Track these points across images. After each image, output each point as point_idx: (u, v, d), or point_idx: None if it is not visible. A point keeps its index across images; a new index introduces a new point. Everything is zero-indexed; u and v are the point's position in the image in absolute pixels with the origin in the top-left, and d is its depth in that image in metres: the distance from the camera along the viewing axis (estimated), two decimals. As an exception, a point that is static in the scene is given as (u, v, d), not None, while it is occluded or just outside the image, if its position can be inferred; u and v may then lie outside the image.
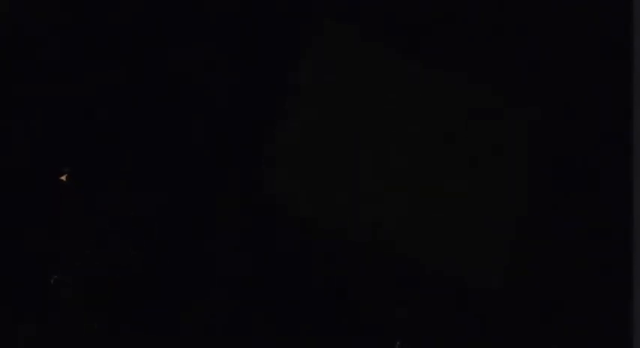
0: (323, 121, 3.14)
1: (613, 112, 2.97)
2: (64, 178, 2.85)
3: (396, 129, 3.16)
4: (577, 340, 2.89)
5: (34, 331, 2.70)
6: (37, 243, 2.82)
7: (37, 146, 2.95)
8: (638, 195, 2.78)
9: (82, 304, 2.78)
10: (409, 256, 3.08)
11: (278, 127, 3.12)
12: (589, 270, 2.94)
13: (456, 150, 3.12)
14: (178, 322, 2.85)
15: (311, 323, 2.97)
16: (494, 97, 3.13)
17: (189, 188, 3.02)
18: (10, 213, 2.84)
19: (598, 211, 2.96)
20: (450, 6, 3.07)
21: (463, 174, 3.12)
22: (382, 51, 3.14)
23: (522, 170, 3.10)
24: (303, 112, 3.14)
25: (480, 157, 3.12)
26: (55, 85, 2.99)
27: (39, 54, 3.00)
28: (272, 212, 3.07)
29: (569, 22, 3.02)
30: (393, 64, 3.15)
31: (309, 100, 3.14)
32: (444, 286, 3.05)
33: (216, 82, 3.07)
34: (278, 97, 3.12)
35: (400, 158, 3.14)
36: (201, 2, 3.09)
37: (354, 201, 3.13)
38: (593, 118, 3.03)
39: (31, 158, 2.93)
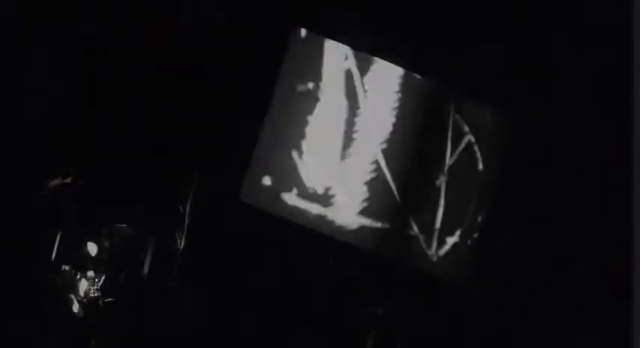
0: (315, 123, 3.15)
1: (613, 112, 2.98)
2: (68, 180, 2.86)
3: (387, 130, 3.17)
4: (577, 340, 2.89)
5: (34, 331, 2.70)
6: (38, 244, 2.83)
7: (37, 147, 2.96)
8: (638, 195, 2.77)
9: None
10: (394, 256, 3.09)
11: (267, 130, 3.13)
12: (589, 270, 2.94)
13: (441, 149, 3.13)
14: (178, 321, 2.86)
15: (298, 319, 2.98)
16: (488, 97, 3.14)
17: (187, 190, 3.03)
18: (11, 216, 2.84)
19: (597, 211, 2.96)
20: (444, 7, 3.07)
21: (451, 174, 3.13)
22: (373, 56, 3.15)
23: (522, 168, 3.10)
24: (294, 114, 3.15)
25: (471, 157, 3.13)
26: (55, 86, 3.00)
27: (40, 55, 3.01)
28: (261, 213, 3.08)
29: (569, 22, 3.03)
30: (385, 67, 3.16)
31: (304, 102, 3.15)
32: (444, 287, 3.06)
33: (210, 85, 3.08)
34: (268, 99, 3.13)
35: (392, 159, 3.15)
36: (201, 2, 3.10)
37: (342, 201, 3.14)
38: (592, 118, 3.03)
39: (32, 160, 2.94)
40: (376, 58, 3.16)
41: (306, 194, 3.12)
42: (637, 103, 2.83)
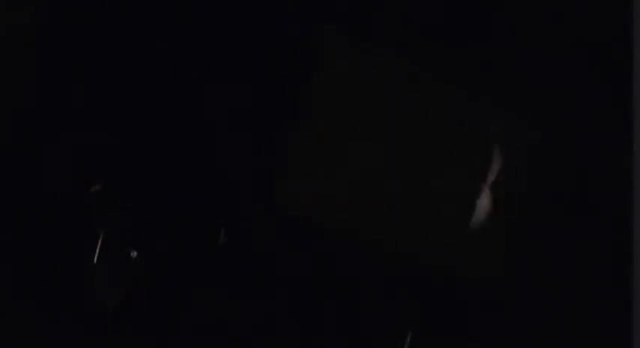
0: (332, 129, 3.17)
1: (613, 113, 2.99)
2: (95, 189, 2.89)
3: (397, 135, 3.19)
4: (577, 340, 2.91)
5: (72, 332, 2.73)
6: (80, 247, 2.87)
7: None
8: (638, 195, 2.79)
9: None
10: (416, 257, 3.11)
11: (290, 136, 3.15)
12: (588, 270, 2.95)
13: (455, 154, 3.14)
14: (178, 322, 2.88)
15: (318, 322, 3.00)
16: (492, 107, 3.15)
17: (198, 193, 3.05)
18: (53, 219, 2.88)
19: (597, 213, 2.97)
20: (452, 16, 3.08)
21: (464, 176, 3.15)
22: (389, 63, 3.16)
23: (522, 169, 3.11)
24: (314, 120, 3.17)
25: (480, 162, 3.14)
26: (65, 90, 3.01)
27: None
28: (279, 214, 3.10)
29: (569, 27, 3.03)
30: (400, 75, 3.17)
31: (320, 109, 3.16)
32: (453, 285, 3.08)
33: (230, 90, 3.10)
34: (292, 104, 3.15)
35: (403, 162, 3.16)
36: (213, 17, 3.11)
37: (358, 203, 3.16)
38: (592, 119, 3.04)
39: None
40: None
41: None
42: (637, 103, 2.84)
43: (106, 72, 3.01)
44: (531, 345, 2.94)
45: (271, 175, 3.11)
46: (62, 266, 2.80)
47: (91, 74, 3.00)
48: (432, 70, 3.13)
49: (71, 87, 2.99)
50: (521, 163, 3.09)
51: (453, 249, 3.12)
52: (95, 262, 2.82)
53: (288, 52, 3.10)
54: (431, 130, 3.18)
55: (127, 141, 3.00)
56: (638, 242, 2.73)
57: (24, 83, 2.98)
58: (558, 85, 3.06)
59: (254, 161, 3.08)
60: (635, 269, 2.76)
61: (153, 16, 3.05)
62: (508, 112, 3.11)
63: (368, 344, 3.00)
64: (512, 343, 2.96)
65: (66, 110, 2.99)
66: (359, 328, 3.01)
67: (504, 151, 3.12)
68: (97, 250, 2.83)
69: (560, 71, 3.05)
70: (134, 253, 2.85)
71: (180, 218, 3.00)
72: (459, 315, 3.01)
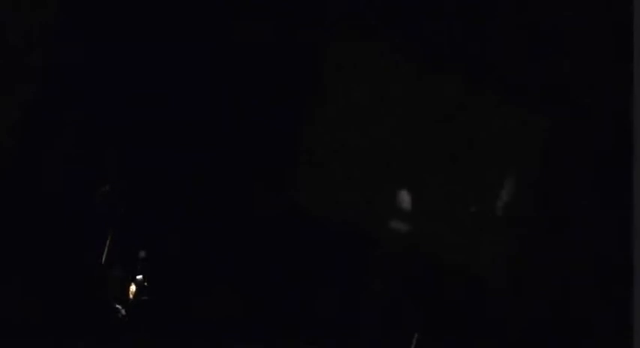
0: (346, 126, 3.18)
1: (613, 111, 2.99)
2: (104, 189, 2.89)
3: (409, 133, 3.19)
4: (577, 340, 2.91)
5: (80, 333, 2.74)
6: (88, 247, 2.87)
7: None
8: (638, 195, 2.78)
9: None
10: (427, 253, 3.11)
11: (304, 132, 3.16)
12: (589, 271, 2.95)
13: (459, 153, 3.14)
14: (178, 321, 2.88)
15: (320, 322, 3.00)
16: (501, 103, 3.15)
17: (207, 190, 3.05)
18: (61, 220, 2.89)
19: (598, 213, 2.97)
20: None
21: (475, 176, 3.15)
22: (389, 62, 3.16)
23: (530, 171, 3.11)
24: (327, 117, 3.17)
25: (491, 159, 3.14)
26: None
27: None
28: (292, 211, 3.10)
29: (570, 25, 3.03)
30: (405, 71, 3.17)
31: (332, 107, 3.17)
32: (461, 284, 3.07)
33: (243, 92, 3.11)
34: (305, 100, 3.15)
35: (413, 160, 3.17)
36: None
37: (368, 199, 3.16)
38: (594, 118, 3.04)
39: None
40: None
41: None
42: (637, 103, 2.84)
43: (107, 72, 3.02)
44: (534, 345, 2.94)
45: (275, 172, 3.11)
46: (64, 266, 2.80)
47: (92, 74, 3.01)
48: (432, 70, 3.14)
49: (71, 87, 2.99)
50: (527, 164, 3.10)
51: (458, 248, 3.12)
52: (103, 261, 2.83)
53: (289, 52, 3.10)
54: (433, 128, 3.18)
55: (128, 141, 3.01)
56: (638, 242, 2.73)
57: (24, 84, 2.98)
58: (559, 85, 3.06)
59: (260, 158, 3.08)
60: (635, 270, 2.75)
61: (153, 16, 3.06)
62: (508, 112, 3.12)
63: (372, 344, 3.01)
64: (515, 343, 2.96)
65: (66, 110, 3.00)
66: (360, 327, 3.01)
67: (509, 151, 3.12)
68: (106, 250, 2.83)
69: (560, 71, 3.06)
70: (142, 253, 2.86)
71: (183, 216, 3.00)
72: (464, 314, 3.01)
